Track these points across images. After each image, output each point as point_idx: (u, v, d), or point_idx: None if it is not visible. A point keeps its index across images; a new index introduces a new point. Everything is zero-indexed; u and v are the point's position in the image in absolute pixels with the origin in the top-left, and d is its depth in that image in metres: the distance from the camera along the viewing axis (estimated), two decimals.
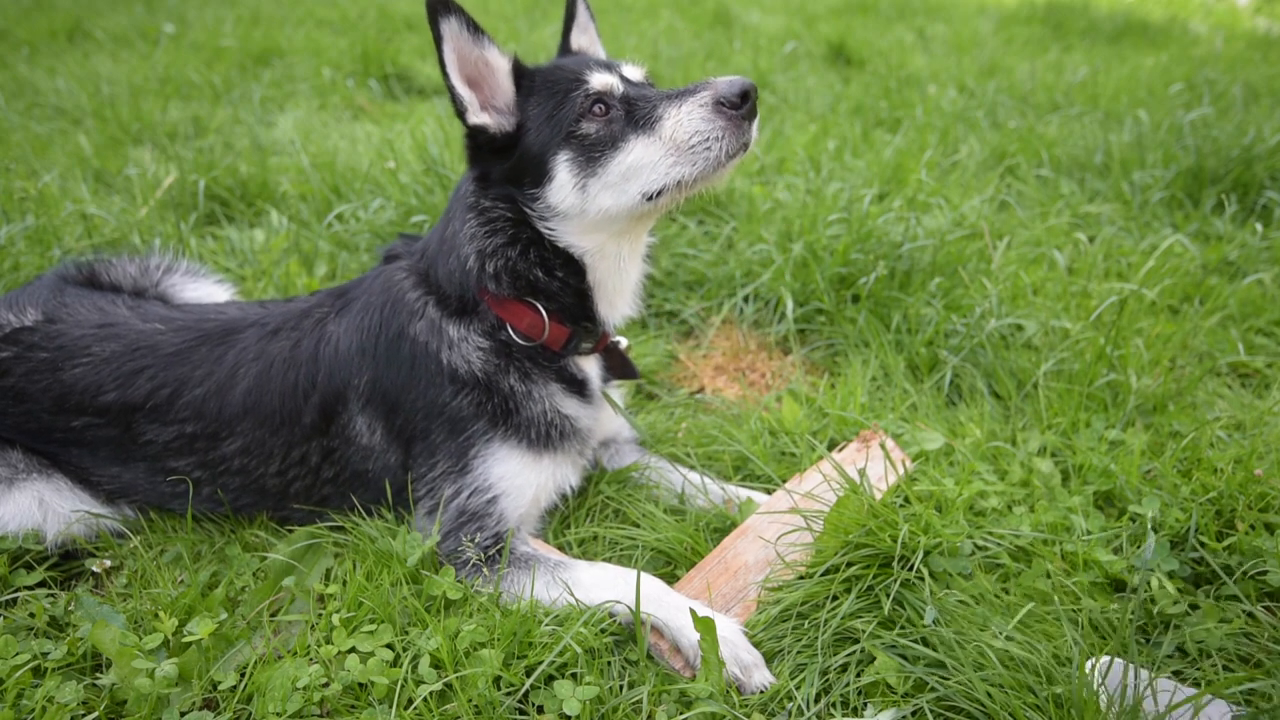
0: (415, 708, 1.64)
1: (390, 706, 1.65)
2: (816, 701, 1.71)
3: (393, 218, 3.60)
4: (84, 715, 1.66)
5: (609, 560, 2.12)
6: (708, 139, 1.71)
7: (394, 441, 2.05)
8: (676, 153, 1.74)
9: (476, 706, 1.64)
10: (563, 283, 1.93)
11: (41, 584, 2.02)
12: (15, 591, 1.96)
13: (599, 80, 1.79)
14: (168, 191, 3.79)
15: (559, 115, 1.78)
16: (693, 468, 2.39)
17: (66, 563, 2.08)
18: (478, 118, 1.82)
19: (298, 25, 7.66)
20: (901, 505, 2.08)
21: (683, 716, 1.64)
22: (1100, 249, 3.61)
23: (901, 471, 2.20)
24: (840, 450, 2.31)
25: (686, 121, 1.72)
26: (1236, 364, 2.97)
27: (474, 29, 1.76)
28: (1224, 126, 4.53)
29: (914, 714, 1.67)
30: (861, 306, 3.08)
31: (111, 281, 2.40)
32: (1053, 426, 2.56)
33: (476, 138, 1.86)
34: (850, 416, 2.56)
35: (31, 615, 1.88)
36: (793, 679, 1.74)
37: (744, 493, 2.25)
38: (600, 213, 1.82)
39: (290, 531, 2.12)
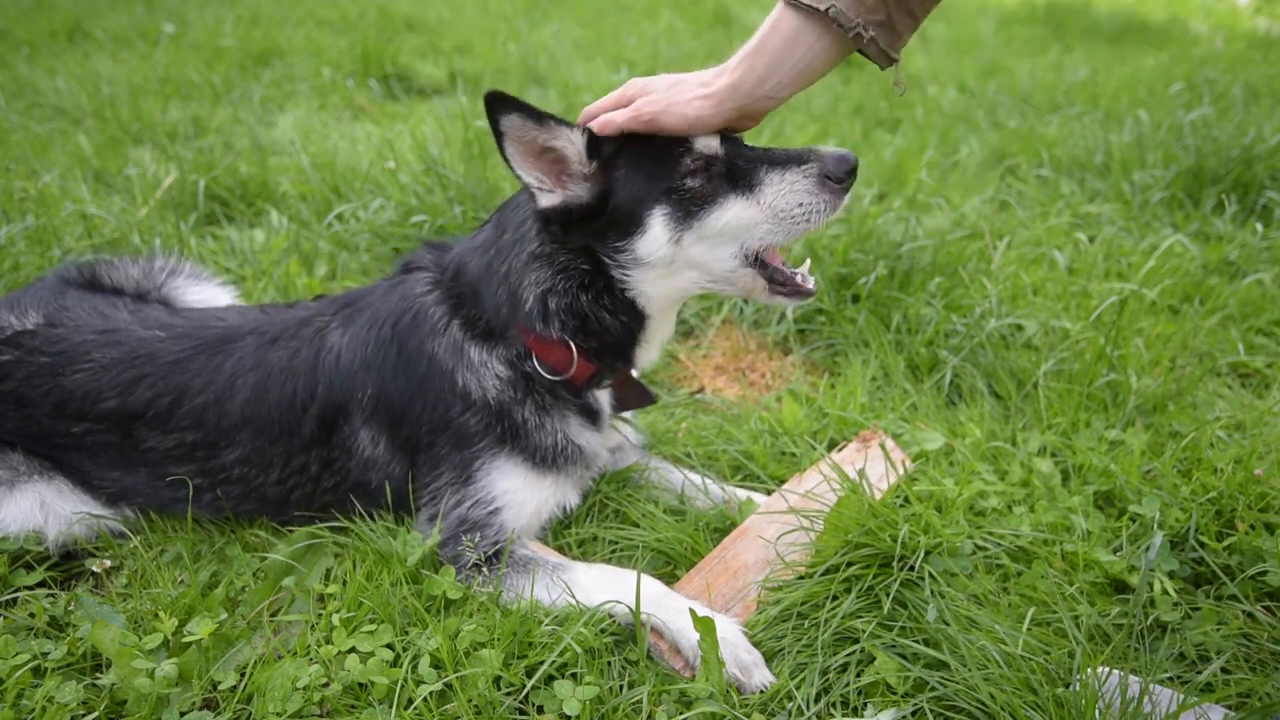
0: (415, 708, 1.64)
1: (390, 706, 1.65)
2: (816, 701, 1.71)
3: (393, 218, 3.60)
4: (84, 715, 1.66)
5: (609, 560, 2.12)
6: (809, 211, 1.77)
7: (398, 453, 2.04)
8: (775, 219, 1.78)
9: (476, 706, 1.64)
10: (624, 327, 1.92)
11: (41, 584, 2.01)
12: (15, 591, 1.96)
13: (702, 142, 1.78)
14: (168, 191, 3.79)
15: (658, 173, 1.77)
16: (693, 468, 2.39)
17: (66, 563, 2.08)
18: (549, 200, 1.78)
19: (298, 25, 7.66)
20: (901, 505, 2.08)
21: (683, 716, 1.64)
22: (1100, 249, 3.61)
23: (901, 471, 2.20)
24: (840, 450, 2.31)
25: (790, 193, 1.76)
26: (1236, 364, 2.97)
27: (537, 119, 1.69)
28: (1224, 126, 4.53)
29: (914, 714, 1.67)
30: (861, 306, 3.08)
31: (114, 284, 2.39)
32: (1053, 426, 2.56)
33: (548, 214, 1.80)
34: (850, 416, 2.56)
35: (31, 615, 1.88)
36: (793, 679, 1.74)
37: (744, 493, 2.25)
38: (688, 265, 1.84)
39: (290, 531, 2.12)
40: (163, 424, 2.06)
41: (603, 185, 1.79)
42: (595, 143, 1.76)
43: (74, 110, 5.24)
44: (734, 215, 1.78)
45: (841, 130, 5.08)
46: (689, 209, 1.77)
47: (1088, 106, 5.61)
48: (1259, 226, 3.73)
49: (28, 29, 7.23)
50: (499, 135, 1.69)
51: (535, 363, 1.94)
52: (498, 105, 1.65)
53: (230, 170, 4.01)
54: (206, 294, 2.56)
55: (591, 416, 2.06)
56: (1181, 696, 1.60)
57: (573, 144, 1.75)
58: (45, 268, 3.02)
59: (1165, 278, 3.32)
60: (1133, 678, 1.63)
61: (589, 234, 1.82)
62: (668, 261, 1.82)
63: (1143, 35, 8.25)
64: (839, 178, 1.75)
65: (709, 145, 1.78)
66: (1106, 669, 1.66)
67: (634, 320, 1.94)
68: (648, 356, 2.07)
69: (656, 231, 1.78)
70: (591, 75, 6.04)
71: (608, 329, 1.91)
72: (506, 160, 1.72)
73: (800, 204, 1.76)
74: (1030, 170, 4.53)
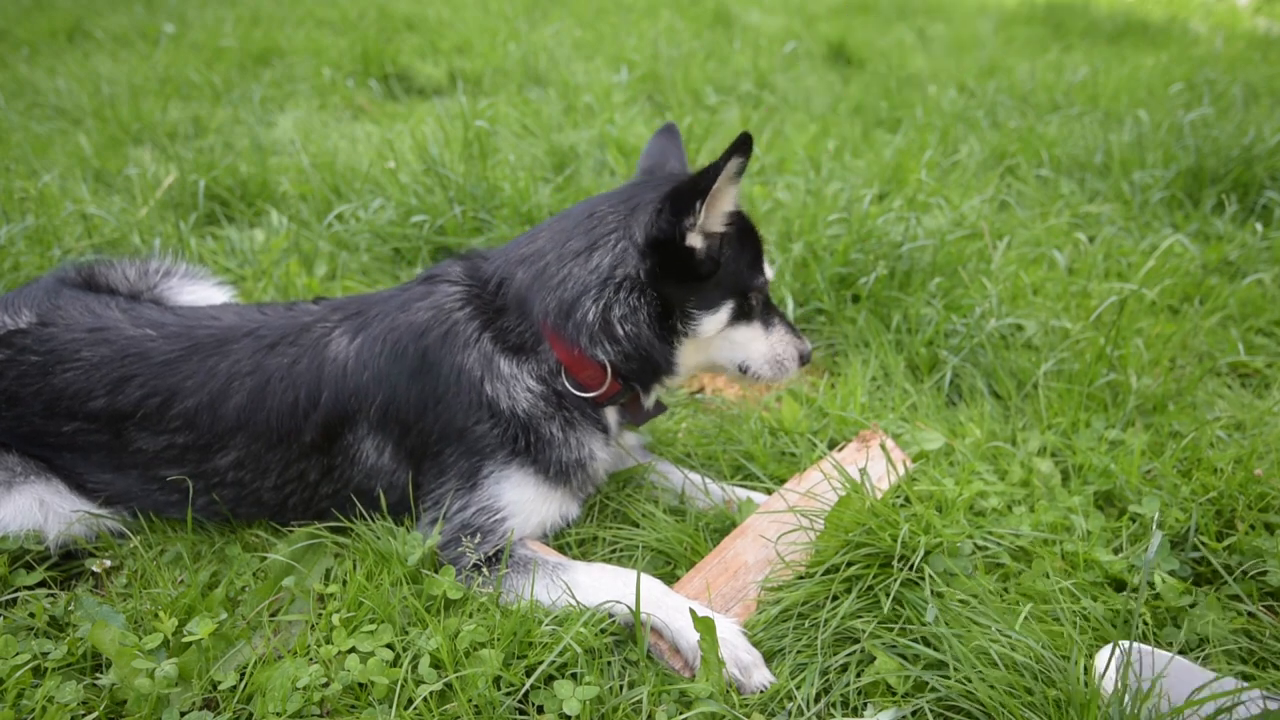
0: (415, 708, 1.64)
1: (390, 706, 1.65)
2: (816, 701, 1.71)
3: (393, 218, 3.60)
4: (84, 715, 1.66)
5: (609, 560, 2.12)
6: (786, 367, 2.18)
7: (404, 461, 2.04)
8: (769, 356, 2.16)
9: (476, 706, 1.64)
10: (666, 364, 2.04)
11: (41, 584, 2.01)
12: (15, 591, 1.96)
13: (769, 274, 2.16)
14: (168, 191, 3.80)
15: (745, 276, 2.05)
16: (693, 468, 2.39)
17: (66, 563, 2.08)
18: (695, 240, 1.91)
19: (298, 25, 7.66)
20: (902, 505, 2.08)
21: (683, 716, 1.64)
22: (1100, 249, 3.62)
23: (901, 471, 2.20)
24: (840, 450, 2.31)
25: (785, 346, 2.18)
26: (1236, 364, 2.97)
27: (741, 171, 1.86)
28: (1224, 126, 4.53)
29: (914, 714, 1.67)
30: (861, 306, 3.08)
31: (109, 284, 2.37)
32: (1053, 426, 2.56)
33: (672, 253, 1.91)
34: (850, 416, 2.56)
35: (31, 615, 1.88)
36: (793, 679, 1.74)
37: (744, 493, 2.25)
38: (713, 350, 2.12)
39: (290, 532, 2.12)
40: (153, 425, 2.04)
41: (716, 259, 1.96)
42: (732, 219, 1.96)
43: (74, 110, 5.24)
44: (753, 336, 2.13)
45: (842, 130, 5.08)
46: (739, 315, 2.07)
47: (1088, 106, 5.61)
48: (1259, 226, 3.74)
49: (28, 29, 7.23)
50: (721, 166, 1.79)
51: (565, 379, 1.97)
52: (746, 146, 1.78)
53: (230, 170, 4.01)
54: (201, 294, 2.54)
55: (605, 432, 2.09)
56: (1175, 655, 1.60)
57: (727, 206, 1.92)
58: (45, 268, 3.02)
59: (1165, 278, 3.32)
60: (1141, 646, 1.63)
61: (677, 292, 1.96)
62: (705, 340, 2.06)
63: (1143, 35, 8.25)
64: (804, 362, 2.20)
65: (769, 274, 2.14)
66: (1113, 645, 1.66)
67: (669, 373, 2.08)
68: (659, 394, 2.19)
69: (720, 317, 2.03)
70: (591, 75, 6.04)
71: (658, 360, 2.00)
72: (706, 189, 1.82)
73: (789, 357, 2.17)
74: (1030, 170, 4.53)
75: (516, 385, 1.97)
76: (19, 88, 5.66)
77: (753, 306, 2.09)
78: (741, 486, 2.33)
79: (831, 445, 2.50)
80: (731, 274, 2.01)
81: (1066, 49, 7.65)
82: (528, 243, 2.05)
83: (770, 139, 4.81)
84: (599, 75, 6.03)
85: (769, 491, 2.27)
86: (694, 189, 1.83)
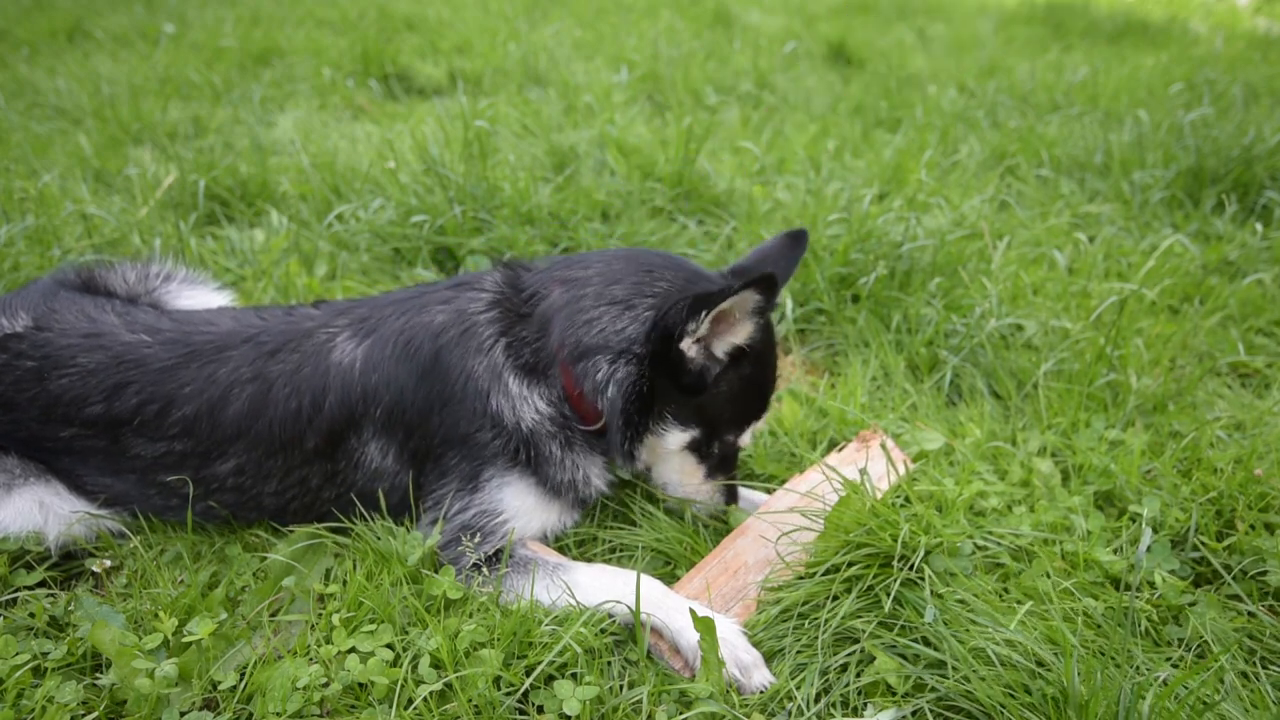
0: (415, 708, 1.64)
1: (390, 706, 1.65)
2: (816, 701, 1.71)
3: (393, 217, 3.60)
4: (84, 715, 1.66)
5: (608, 560, 2.12)
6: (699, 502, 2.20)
7: (406, 462, 2.04)
8: (684, 495, 2.18)
9: (476, 706, 1.64)
10: (628, 445, 2.03)
11: (41, 584, 2.01)
12: (15, 591, 1.96)
13: (746, 440, 2.17)
14: (168, 191, 3.79)
15: (721, 422, 2.06)
16: None
17: (66, 563, 2.08)
18: (690, 349, 1.92)
19: (298, 25, 7.65)
20: (902, 505, 2.08)
21: (683, 716, 1.64)
22: (1100, 249, 3.61)
23: (901, 471, 2.20)
24: (840, 450, 2.31)
25: (703, 498, 2.18)
26: (1236, 364, 2.97)
27: (761, 311, 1.87)
28: (1224, 126, 4.53)
29: (914, 714, 1.67)
30: (861, 306, 3.08)
31: (107, 287, 2.36)
32: (1053, 426, 2.56)
33: (670, 351, 1.91)
34: (850, 416, 2.56)
35: (31, 615, 1.88)
36: (793, 679, 1.74)
37: (744, 493, 2.25)
38: (659, 462, 2.15)
39: (291, 532, 2.12)
40: (150, 431, 2.03)
41: (704, 382, 1.96)
42: (741, 354, 1.97)
43: (74, 110, 5.24)
44: (691, 473, 2.13)
45: (842, 130, 5.08)
46: (695, 451, 2.08)
47: (1088, 106, 5.61)
48: (1259, 226, 3.74)
49: (28, 29, 7.23)
50: (729, 295, 1.79)
51: (567, 408, 1.99)
52: (768, 287, 1.78)
53: (230, 170, 4.01)
54: (200, 299, 2.52)
55: (603, 455, 2.10)
56: None
57: (739, 337, 1.94)
58: (45, 268, 3.02)
59: (1165, 278, 3.32)
60: None
61: (663, 391, 1.97)
62: (659, 452, 2.09)
63: (1143, 35, 8.25)
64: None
65: (745, 443, 2.17)
66: None
67: (624, 454, 2.05)
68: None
69: (683, 439, 2.04)
70: (591, 75, 6.04)
71: (636, 429, 2.02)
72: (711, 308, 1.82)
73: (704, 499, 2.18)
74: (1030, 170, 4.53)
75: (524, 405, 1.98)
76: (19, 88, 5.66)
77: (712, 453, 2.10)
78: (741, 486, 2.33)
79: (831, 445, 2.50)
80: (714, 410, 2.01)
81: (1066, 49, 7.65)
82: (579, 266, 2.05)
83: (770, 139, 4.80)
84: (599, 75, 6.03)
85: (769, 491, 2.27)
86: (707, 299, 1.83)
